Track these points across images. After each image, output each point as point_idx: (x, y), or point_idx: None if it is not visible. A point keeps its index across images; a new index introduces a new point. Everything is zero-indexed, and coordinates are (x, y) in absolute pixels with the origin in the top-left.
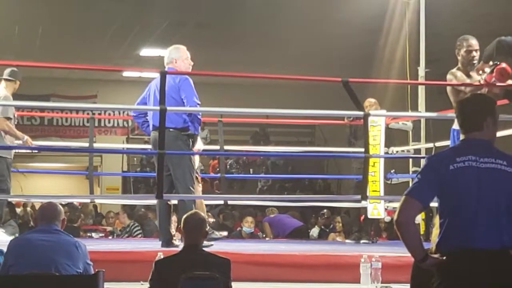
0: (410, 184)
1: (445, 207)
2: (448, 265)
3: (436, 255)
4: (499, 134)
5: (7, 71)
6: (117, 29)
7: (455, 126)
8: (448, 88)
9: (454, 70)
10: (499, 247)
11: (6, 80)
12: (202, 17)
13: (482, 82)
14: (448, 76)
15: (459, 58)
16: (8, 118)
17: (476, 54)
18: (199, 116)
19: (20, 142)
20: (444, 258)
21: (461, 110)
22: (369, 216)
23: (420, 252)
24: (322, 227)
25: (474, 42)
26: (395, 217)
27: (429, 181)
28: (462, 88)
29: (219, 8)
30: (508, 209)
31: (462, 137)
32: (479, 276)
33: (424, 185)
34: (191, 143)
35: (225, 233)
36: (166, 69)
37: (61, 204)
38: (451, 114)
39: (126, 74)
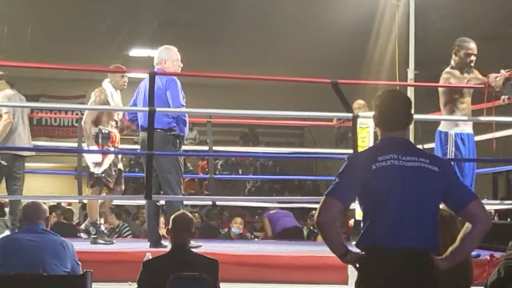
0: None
1: (368, 206)
2: (367, 262)
3: (357, 251)
4: (501, 134)
5: None
6: (106, 29)
7: (442, 128)
8: (441, 88)
9: (450, 69)
10: (421, 248)
11: None
12: (192, 17)
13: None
14: (445, 75)
15: (456, 59)
16: None
17: (474, 58)
18: (184, 118)
19: None
20: (363, 253)
21: (384, 107)
22: (357, 218)
23: (340, 248)
24: (311, 228)
25: (474, 46)
26: (315, 217)
27: (349, 181)
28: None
29: (209, 9)
30: (432, 207)
31: (383, 135)
32: (394, 276)
33: (345, 185)
34: (178, 144)
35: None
36: (155, 70)
37: (52, 205)
38: (440, 116)
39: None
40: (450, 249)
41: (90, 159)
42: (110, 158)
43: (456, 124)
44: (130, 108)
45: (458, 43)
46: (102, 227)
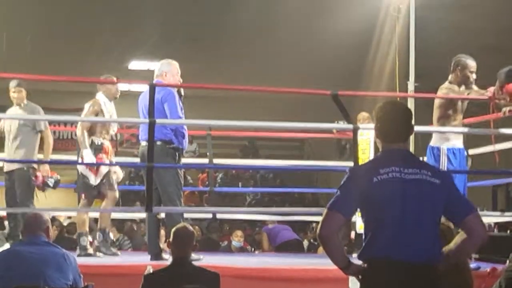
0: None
1: (370, 219)
2: (368, 274)
3: (359, 263)
4: (502, 146)
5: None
6: (106, 42)
7: (434, 143)
8: (438, 102)
9: (449, 85)
10: (423, 261)
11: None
12: (191, 30)
13: (488, 94)
14: (444, 90)
15: (457, 75)
16: None
17: (475, 76)
18: (182, 130)
19: None
20: (366, 265)
21: (385, 118)
22: (358, 231)
23: (342, 260)
24: (311, 240)
25: (475, 64)
26: (318, 230)
27: (351, 193)
28: (459, 101)
29: (208, 22)
30: (433, 220)
31: (384, 147)
32: None
33: (346, 198)
34: (177, 157)
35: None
36: (154, 82)
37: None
38: (440, 128)
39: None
40: (444, 250)
41: (81, 167)
42: (105, 168)
43: (447, 139)
44: (128, 120)
45: (458, 61)
46: (90, 238)
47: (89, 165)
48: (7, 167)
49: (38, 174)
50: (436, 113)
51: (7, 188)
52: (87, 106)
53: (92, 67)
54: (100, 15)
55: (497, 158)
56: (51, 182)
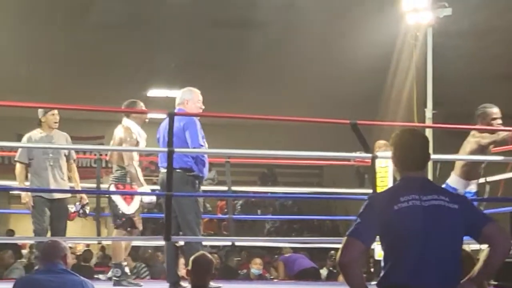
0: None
1: (389, 246)
2: None
3: None
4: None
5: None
6: (124, 70)
7: (453, 184)
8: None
9: (477, 133)
10: (445, 287)
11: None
12: (209, 58)
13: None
14: (477, 139)
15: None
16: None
17: (500, 121)
18: (203, 158)
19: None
20: None
21: (402, 146)
22: (376, 258)
23: None
24: (331, 268)
25: (498, 110)
26: (337, 258)
27: (370, 221)
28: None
29: (225, 49)
30: (454, 246)
31: (402, 175)
32: None
33: (366, 225)
34: (197, 185)
35: None
36: (176, 110)
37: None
38: (461, 156)
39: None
40: (474, 270)
41: (118, 199)
42: (139, 197)
43: (468, 185)
44: (150, 149)
45: (482, 112)
46: (127, 269)
47: (131, 194)
48: (53, 195)
49: (77, 203)
50: (460, 163)
51: (52, 217)
52: (119, 134)
53: (111, 95)
54: (118, 43)
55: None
56: (87, 209)
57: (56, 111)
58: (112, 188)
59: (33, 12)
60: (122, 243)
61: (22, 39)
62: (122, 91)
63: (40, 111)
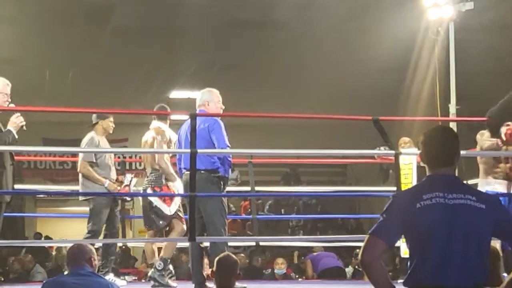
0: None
1: (414, 244)
2: None
3: None
4: None
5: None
6: (146, 72)
7: (490, 186)
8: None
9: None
10: (471, 285)
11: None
12: (230, 58)
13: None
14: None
15: None
16: (90, 162)
17: None
18: (229, 158)
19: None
20: None
21: (431, 143)
22: (402, 256)
23: (386, 287)
24: (356, 267)
25: None
26: (359, 256)
27: (393, 220)
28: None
29: (246, 50)
30: (480, 245)
31: (429, 172)
32: None
33: (389, 224)
34: (222, 185)
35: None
36: (197, 111)
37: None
38: (485, 152)
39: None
40: (507, 280)
41: (158, 201)
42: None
43: (489, 184)
44: (173, 151)
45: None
46: (171, 267)
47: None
48: None
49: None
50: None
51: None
52: (151, 134)
53: (134, 98)
54: (139, 46)
55: None
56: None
57: (112, 118)
58: (149, 192)
59: (55, 18)
60: (169, 243)
61: (46, 44)
62: (144, 93)
63: (94, 116)
